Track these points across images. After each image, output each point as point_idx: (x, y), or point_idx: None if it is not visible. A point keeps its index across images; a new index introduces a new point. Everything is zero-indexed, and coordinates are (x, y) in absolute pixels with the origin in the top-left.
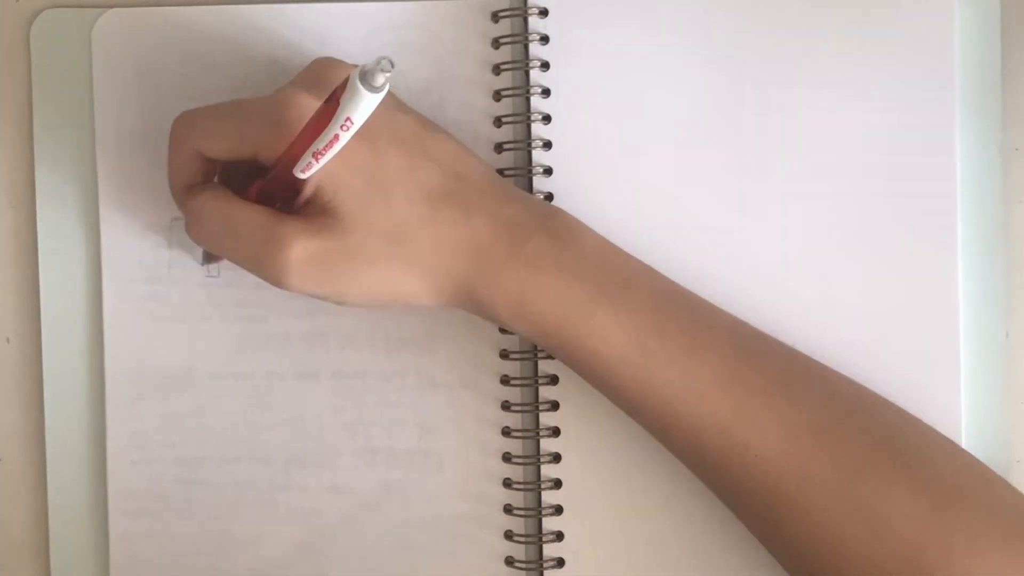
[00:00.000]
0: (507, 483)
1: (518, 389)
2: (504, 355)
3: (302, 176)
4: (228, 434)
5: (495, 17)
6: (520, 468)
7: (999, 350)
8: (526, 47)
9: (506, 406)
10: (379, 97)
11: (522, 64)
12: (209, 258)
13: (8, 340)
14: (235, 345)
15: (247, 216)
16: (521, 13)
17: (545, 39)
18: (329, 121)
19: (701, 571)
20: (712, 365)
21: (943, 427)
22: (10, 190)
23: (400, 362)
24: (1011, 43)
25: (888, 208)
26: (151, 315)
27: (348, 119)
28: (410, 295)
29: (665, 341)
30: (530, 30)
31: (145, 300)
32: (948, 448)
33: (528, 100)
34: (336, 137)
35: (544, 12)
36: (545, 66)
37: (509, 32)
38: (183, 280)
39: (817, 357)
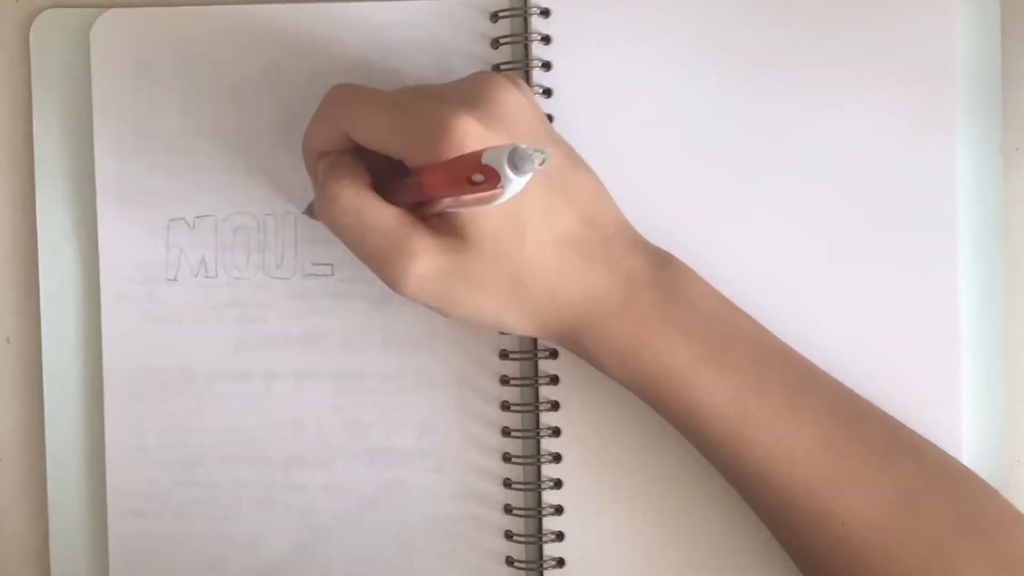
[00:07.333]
0: (507, 483)
1: (517, 389)
2: (503, 355)
3: (448, 210)
4: (226, 435)
5: (494, 17)
6: (520, 468)
7: (1000, 350)
8: (526, 47)
9: (505, 406)
10: (528, 178)
11: (522, 64)
12: (314, 211)
13: (8, 340)
14: (233, 346)
15: (381, 217)
16: (521, 13)
17: (547, 39)
18: (477, 167)
19: (702, 571)
20: (808, 430)
21: (944, 428)
22: (10, 190)
23: (399, 362)
24: (1011, 43)
25: (888, 208)
26: (149, 316)
27: (501, 191)
28: (513, 326)
29: (764, 402)
30: (532, 30)
31: (143, 301)
32: None
33: None
34: (488, 198)
35: (546, 12)
36: (547, 66)
37: (509, 32)
38: (181, 281)
39: (817, 358)
